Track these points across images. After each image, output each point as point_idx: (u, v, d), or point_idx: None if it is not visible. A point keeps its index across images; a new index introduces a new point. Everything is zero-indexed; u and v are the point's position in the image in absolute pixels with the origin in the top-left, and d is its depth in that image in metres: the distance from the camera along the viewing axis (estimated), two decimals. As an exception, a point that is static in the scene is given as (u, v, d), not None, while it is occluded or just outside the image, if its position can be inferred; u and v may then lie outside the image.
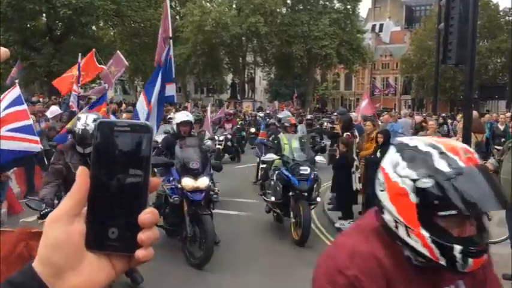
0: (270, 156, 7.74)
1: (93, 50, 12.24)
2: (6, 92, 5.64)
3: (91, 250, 0.57)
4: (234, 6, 39.39)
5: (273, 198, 7.23)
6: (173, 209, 5.95)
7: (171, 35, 7.41)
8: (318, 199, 7.31)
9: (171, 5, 35.86)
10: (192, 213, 5.75)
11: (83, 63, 11.23)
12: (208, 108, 13.64)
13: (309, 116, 19.09)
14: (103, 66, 12.36)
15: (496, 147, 10.53)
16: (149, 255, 0.58)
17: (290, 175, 6.99)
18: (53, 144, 8.13)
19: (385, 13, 70.66)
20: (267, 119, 17.91)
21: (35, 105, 11.60)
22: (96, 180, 0.58)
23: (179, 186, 5.79)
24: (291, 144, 7.51)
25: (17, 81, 5.50)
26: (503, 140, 9.81)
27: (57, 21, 28.10)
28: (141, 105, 6.78)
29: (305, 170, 7.02)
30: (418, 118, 16.58)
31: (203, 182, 5.83)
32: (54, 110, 10.57)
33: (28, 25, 27.35)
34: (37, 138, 5.88)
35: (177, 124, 6.60)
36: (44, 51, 26.65)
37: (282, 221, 7.74)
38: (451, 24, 7.30)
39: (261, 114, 24.01)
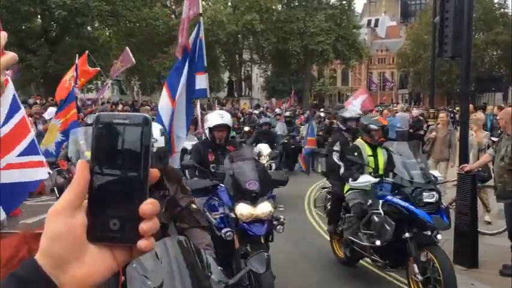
0: (366, 179, 5.19)
1: (86, 52, 12.22)
2: None
3: (93, 242, 0.58)
4: (229, 4, 39.34)
5: (378, 242, 4.89)
6: (222, 245, 4.15)
7: (200, 11, 6.04)
8: (439, 237, 4.76)
9: (165, 4, 35.83)
10: (244, 253, 4.11)
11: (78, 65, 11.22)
12: (198, 106, 11.66)
13: (287, 113, 15.98)
14: (97, 68, 12.40)
15: (492, 138, 10.58)
16: (151, 245, 0.59)
17: (412, 207, 4.68)
18: (52, 161, 7.83)
19: (380, 8, 70.69)
20: (263, 117, 17.16)
21: (31, 107, 11.57)
22: (96, 172, 0.58)
23: (232, 215, 4.25)
24: (377, 156, 5.48)
25: (8, 72, 4.04)
26: (500, 131, 9.83)
27: (52, 23, 28.00)
28: (165, 103, 5.38)
29: (431, 196, 4.71)
30: (415, 112, 16.61)
31: (264, 208, 4.26)
32: (51, 112, 10.55)
33: (23, 27, 27.23)
34: (42, 157, 4.60)
35: (210, 129, 4.97)
36: (39, 53, 26.56)
37: (355, 265, 5.94)
38: (446, 17, 7.30)
39: (256, 111, 23.35)
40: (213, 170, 4.79)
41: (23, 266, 0.57)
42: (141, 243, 0.58)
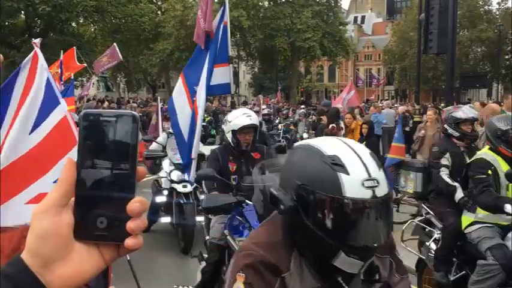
0: None
1: (74, 48, 12.12)
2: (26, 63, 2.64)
3: (80, 240, 0.57)
4: (216, 0, 39.20)
5: None
6: None
7: None
8: None
9: (151, 0, 35.52)
10: None
11: (63, 60, 11.09)
12: (159, 104, 9.62)
13: (265, 111, 14.19)
14: (83, 64, 12.29)
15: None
16: (138, 243, 0.59)
17: None
18: None
19: (366, 5, 71.08)
20: None
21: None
22: (83, 170, 0.58)
23: None
24: None
25: (37, 40, 2.94)
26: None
27: (36, 19, 27.66)
28: (181, 103, 4.56)
29: None
30: (401, 108, 16.73)
31: None
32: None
33: (6, 23, 26.86)
34: None
35: (233, 131, 4.01)
36: (23, 49, 26.19)
37: None
38: (431, 14, 7.38)
39: None
40: (234, 183, 3.94)
41: (10, 264, 0.56)
42: (129, 242, 0.58)
